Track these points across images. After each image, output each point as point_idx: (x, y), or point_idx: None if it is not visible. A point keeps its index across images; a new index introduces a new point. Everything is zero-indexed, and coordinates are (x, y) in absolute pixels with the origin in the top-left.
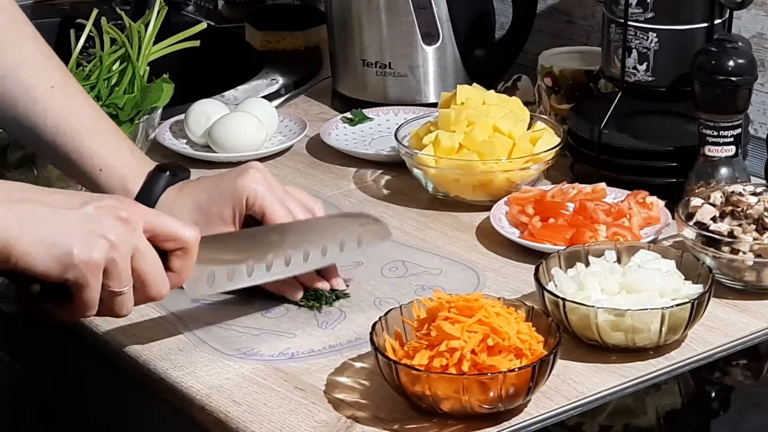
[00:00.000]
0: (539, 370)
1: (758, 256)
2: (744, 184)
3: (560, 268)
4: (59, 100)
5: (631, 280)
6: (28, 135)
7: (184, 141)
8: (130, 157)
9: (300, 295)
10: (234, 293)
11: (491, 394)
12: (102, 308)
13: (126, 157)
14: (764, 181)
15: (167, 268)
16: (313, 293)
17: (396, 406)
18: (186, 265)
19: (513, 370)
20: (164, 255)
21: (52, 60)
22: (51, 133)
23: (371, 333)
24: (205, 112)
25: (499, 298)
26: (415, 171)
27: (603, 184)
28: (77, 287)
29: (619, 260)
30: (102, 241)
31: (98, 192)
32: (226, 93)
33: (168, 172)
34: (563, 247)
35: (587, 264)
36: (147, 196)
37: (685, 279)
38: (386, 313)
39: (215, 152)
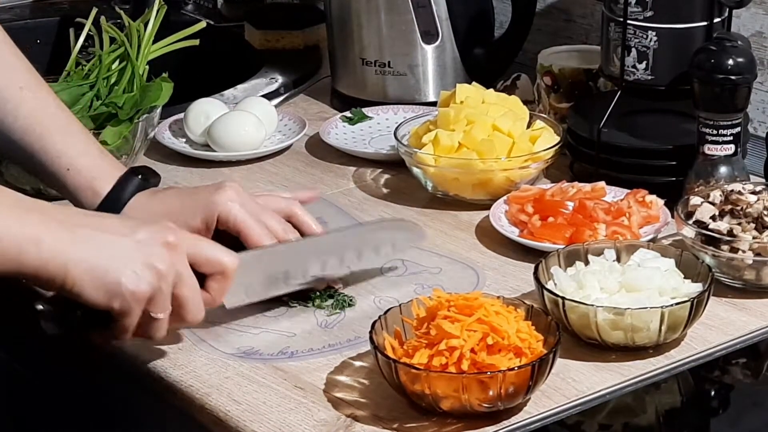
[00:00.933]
0: (539, 369)
1: (757, 254)
2: (743, 182)
3: (560, 266)
4: (29, 101)
5: (630, 278)
6: (0, 136)
7: (184, 140)
8: (99, 159)
9: None
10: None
11: (491, 392)
12: (138, 331)
13: (95, 158)
14: (764, 180)
15: (204, 288)
16: (327, 294)
17: (395, 405)
18: (223, 288)
19: (512, 369)
20: (202, 276)
21: (22, 62)
22: (20, 133)
23: (371, 332)
24: (204, 111)
25: (498, 297)
26: (415, 170)
27: (602, 183)
28: (120, 314)
29: (618, 259)
30: (151, 271)
31: (67, 193)
32: (226, 92)
33: (139, 177)
34: (563, 246)
35: (587, 263)
36: (116, 198)
37: (685, 278)
38: (386, 312)
39: (215, 151)
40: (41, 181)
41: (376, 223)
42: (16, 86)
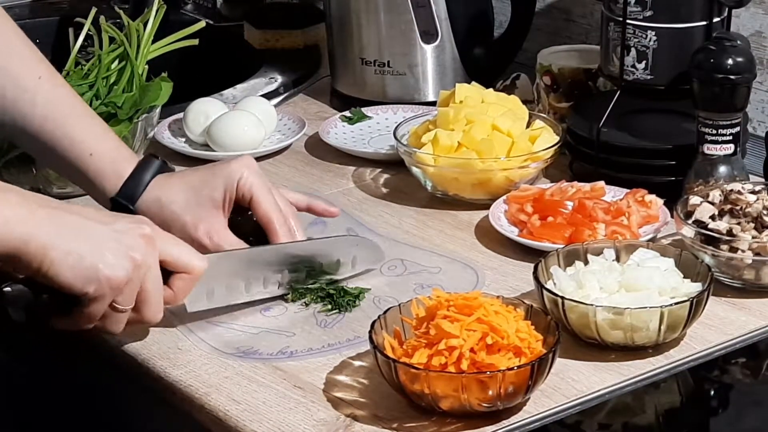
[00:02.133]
0: (538, 369)
1: (757, 254)
2: (743, 182)
3: (559, 266)
4: (47, 90)
5: (630, 278)
6: (15, 125)
7: (183, 140)
8: (118, 144)
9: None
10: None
11: (490, 392)
12: (97, 323)
13: (115, 143)
14: (763, 180)
15: (168, 285)
16: (335, 293)
17: (395, 405)
18: (187, 288)
19: (512, 369)
20: (167, 274)
21: (36, 53)
22: (39, 121)
23: (370, 331)
24: (203, 111)
25: (498, 297)
26: (414, 169)
27: (602, 183)
28: (90, 301)
29: (618, 258)
30: (128, 260)
31: (86, 180)
32: (225, 91)
33: (159, 159)
34: (562, 246)
35: (586, 262)
36: (138, 179)
37: (684, 277)
38: (385, 312)
39: (214, 151)
40: (65, 171)
41: (343, 239)
42: (34, 76)
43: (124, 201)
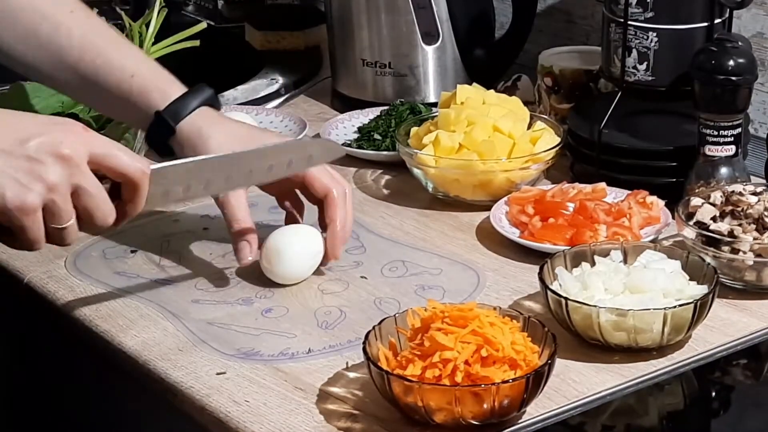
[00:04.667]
0: (533, 382)
1: (758, 255)
2: (744, 183)
3: (565, 267)
4: (81, 21)
5: (634, 280)
6: (52, 62)
7: None
8: (158, 66)
9: (249, 257)
10: (232, 292)
11: (484, 405)
12: (48, 239)
13: (155, 64)
14: (764, 181)
15: (118, 197)
16: None
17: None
18: (137, 198)
19: (507, 382)
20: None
21: None
22: (77, 53)
23: (364, 343)
24: None
25: (494, 308)
26: (415, 171)
27: (603, 184)
28: (15, 228)
29: (625, 260)
30: (38, 184)
31: (129, 103)
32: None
33: (210, 90)
34: (563, 247)
35: (593, 264)
36: (186, 101)
37: (690, 279)
38: (380, 323)
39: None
40: (97, 102)
41: (295, 141)
42: (66, 11)
43: (167, 118)
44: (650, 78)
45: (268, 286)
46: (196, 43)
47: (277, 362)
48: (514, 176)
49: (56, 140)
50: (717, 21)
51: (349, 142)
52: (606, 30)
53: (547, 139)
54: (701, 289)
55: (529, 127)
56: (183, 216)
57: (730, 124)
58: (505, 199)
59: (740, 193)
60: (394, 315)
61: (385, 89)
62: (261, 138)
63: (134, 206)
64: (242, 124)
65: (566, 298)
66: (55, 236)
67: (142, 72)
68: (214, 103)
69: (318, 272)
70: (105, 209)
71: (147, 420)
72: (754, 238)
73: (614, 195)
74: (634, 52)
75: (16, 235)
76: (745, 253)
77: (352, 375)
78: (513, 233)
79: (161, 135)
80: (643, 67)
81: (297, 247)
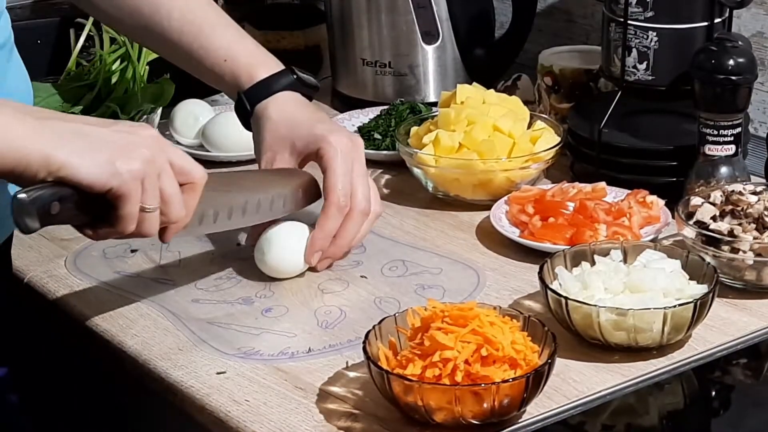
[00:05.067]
0: (533, 381)
1: (758, 255)
2: (744, 183)
3: (565, 267)
4: (179, 3)
5: (634, 279)
6: (154, 39)
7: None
8: (254, 48)
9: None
10: (232, 291)
11: (485, 405)
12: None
13: (250, 47)
14: (764, 180)
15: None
16: None
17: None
18: (192, 201)
19: (507, 381)
20: None
21: None
22: (176, 33)
23: (364, 342)
24: (192, 113)
25: (495, 308)
26: (415, 170)
27: (603, 184)
28: (120, 198)
29: (625, 260)
30: (140, 151)
31: (224, 84)
32: None
33: (295, 77)
34: (563, 247)
35: (593, 263)
36: (267, 85)
37: (690, 279)
38: (380, 322)
39: (209, 151)
40: (197, 75)
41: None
42: None
43: (245, 99)
44: (650, 77)
45: (268, 285)
46: None
47: (277, 362)
48: (514, 176)
49: (141, 125)
50: (717, 20)
51: None
52: (606, 29)
53: (547, 139)
54: (701, 289)
55: (529, 127)
56: None
57: (730, 123)
58: (505, 198)
59: (740, 193)
60: (394, 314)
61: (385, 89)
62: (312, 130)
63: (188, 209)
64: (303, 110)
65: (566, 298)
66: (142, 225)
67: (234, 56)
68: (297, 88)
69: (314, 269)
70: (180, 199)
71: (147, 419)
72: (754, 238)
73: (614, 194)
74: (634, 52)
75: (114, 213)
76: (745, 252)
77: (352, 374)
78: (513, 233)
79: (243, 114)
80: (643, 66)
81: (291, 240)
